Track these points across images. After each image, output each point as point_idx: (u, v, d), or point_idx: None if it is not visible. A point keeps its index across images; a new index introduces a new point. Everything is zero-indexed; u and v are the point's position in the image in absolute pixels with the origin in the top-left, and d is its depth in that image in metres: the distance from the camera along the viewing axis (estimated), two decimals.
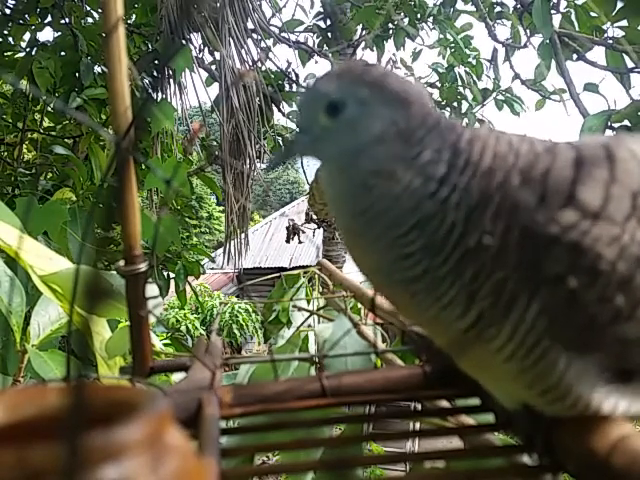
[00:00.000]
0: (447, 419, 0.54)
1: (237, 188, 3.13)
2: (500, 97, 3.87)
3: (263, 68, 3.15)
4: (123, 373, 0.68)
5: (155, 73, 2.40)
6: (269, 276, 1.27)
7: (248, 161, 3.04)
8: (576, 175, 0.39)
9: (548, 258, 0.37)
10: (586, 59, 2.42)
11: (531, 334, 0.38)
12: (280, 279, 1.22)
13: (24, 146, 2.68)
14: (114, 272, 0.62)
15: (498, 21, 3.58)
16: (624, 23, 2.01)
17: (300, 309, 1.17)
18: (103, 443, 0.25)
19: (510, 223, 0.38)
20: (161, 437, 0.28)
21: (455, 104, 4.01)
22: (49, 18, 2.61)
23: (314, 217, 3.63)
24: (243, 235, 3.29)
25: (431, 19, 3.84)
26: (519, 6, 3.03)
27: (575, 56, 2.43)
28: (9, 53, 2.67)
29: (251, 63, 3.07)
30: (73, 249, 1.58)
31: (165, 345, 1.35)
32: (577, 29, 2.40)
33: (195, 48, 3.12)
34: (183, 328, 6.81)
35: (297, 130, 0.47)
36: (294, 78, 3.36)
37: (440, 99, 4.07)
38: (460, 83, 3.95)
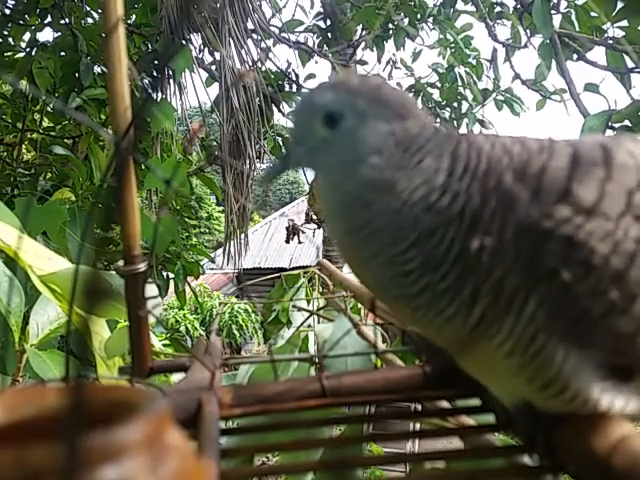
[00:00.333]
0: (447, 420, 0.54)
1: (237, 188, 3.13)
2: (500, 97, 3.87)
3: (263, 68, 3.15)
4: (122, 373, 0.68)
5: (155, 73, 2.40)
6: (269, 276, 1.27)
7: (248, 161, 3.04)
8: (571, 172, 0.40)
9: (543, 252, 0.38)
10: (586, 59, 2.42)
11: (530, 328, 0.38)
12: (280, 279, 1.22)
13: (23, 146, 2.68)
14: (113, 272, 0.62)
15: (498, 21, 3.58)
16: (624, 23, 2.01)
17: (300, 309, 1.17)
18: (102, 443, 0.25)
19: (506, 220, 0.38)
20: (161, 437, 0.28)
21: (455, 104, 4.01)
22: (49, 18, 2.61)
23: (314, 217, 3.63)
24: (243, 235, 3.29)
25: (431, 19, 3.84)
26: (519, 6, 3.03)
27: (575, 56, 2.44)
28: (9, 53, 2.67)
29: (251, 63, 3.07)
30: (72, 249, 1.58)
31: (164, 345, 1.35)
32: (577, 29, 2.40)
33: (195, 48, 3.12)
34: (182, 328, 6.81)
35: (292, 141, 0.46)
36: (294, 78, 3.36)
37: (440, 99, 4.07)
38: (460, 83, 3.96)
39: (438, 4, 3.84)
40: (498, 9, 3.56)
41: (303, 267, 1.30)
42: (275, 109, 3.15)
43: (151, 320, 0.65)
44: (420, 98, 4.00)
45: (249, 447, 0.57)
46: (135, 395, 0.32)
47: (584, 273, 0.38)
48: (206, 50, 3.20)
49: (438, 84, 4.08)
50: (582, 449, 0.40)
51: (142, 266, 0.61)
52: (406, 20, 3.76)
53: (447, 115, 4.02)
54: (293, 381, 0.58)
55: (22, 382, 0.94)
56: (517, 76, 3.47)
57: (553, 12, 2.30)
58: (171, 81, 3.02)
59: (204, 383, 0.54)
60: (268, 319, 1.25)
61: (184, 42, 2.74)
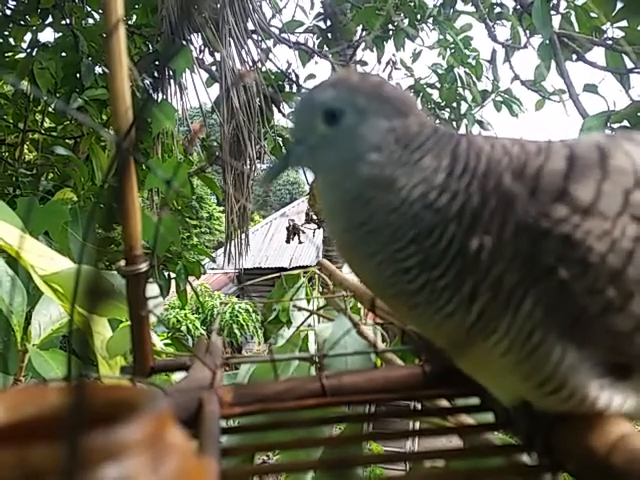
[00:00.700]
0: (447, 418, 0.54)
1: (237, 188, 3.13)
2: (499, 98, 3.87)
3: (263, 69, 3.15)
4: (124, 373, 0.68)
5: (156, 74, 2.40)
6: (269, 276, 1.27)
7: (248, 162, 3.04)
8: (568, 172, 0.40)
9: (540, 250, 0.38)
10: (586, 60, 2.42)
11: (527, 326, 0.39)
12: (280, 279, 1.22)
13: (25, 147, 2.68)
14: (115, 272, 0.62)
15: (498, 22, 3.58)
16: (624, 24, 2.01)
17: (300, 309, 1.17)
18: (103, 443, 0.25)
19: (505, 219, 0.39)
20: (162, 436, 0.28)
21: (454, 105, 4.01)
22: (50, 19, 2.61)
23: (314, 217, 3.63)
24: (243, 235, 3.29)
25: (431, 20, 3.84)
26: (519, 7, 3.03)
27: (575, 57, 2.43)
28: (10, 54, 2.67)
29: (251, 64, 3.07)
30: (74, 249, 1.58)
31: (166, 345, 1.35)
32: (577, 30, 2.40)
33: (195, 49, 3.12)
34: (184, 328, 6.81)
35: (292, 140, 0.47)
36: (294, 79, 3.36)
37: (440, 100, 4.07)
38: (460, 84, 3.95)
39: (438, 5, 3.84)
40: (498, 10, 3.55)
41: (303, 267, 1.30)
42: (275, 109, 3.15)
43: (152, 319, 0.66)
44: (420, 99, 3.99)
45: (250, 446, 0.58)
46: (136, 394, 0.32)
47: (581, 271, 0.38)
48: (206, 50, 3.20)
49: (437, 85, 4.08)
50: (581, 448, 0.40)
51: (143, 266, 0.61)
52: (406, 21, 3.75)
53: (446, 116, 4.02)
54: (293, 380, 0.58)
55: (24, 382, 0.94)
56: (516, 77, 3.47)
57: (553, 13, 2.30)
58: (172, 81, 3.01)
59: (205, 382, 0.55)
60: (268, 319, 1.25)
61: (184, 42, 2.74)
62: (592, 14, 2.30)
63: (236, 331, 7.39)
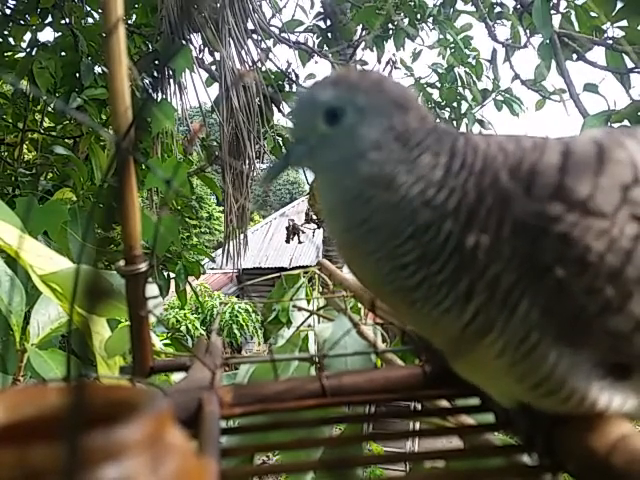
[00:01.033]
0: (447, 419, 0.54)
1: (237, 188, 3.13)
2: (499, 97, 3.87)
3: (263, 68, 3.15)
4: (123, 373, 0.68)
5: (155, 73, 2.40)
6: (269, 276, 1.26)
7: (248, 161, 3.04)
8: (563, 166, 0.40)
9: (537, 249, 0.38)
10: (586, 59, 2.42)
11: (523, 326, 0.39)
12: (280, 279, 1.22)
13: (24, 146, 2.68)
14: (114, 272, 0.62)
15: (498, 21, 3.58)
16: (624, 23, 2.01)
17: (300, 309, 1.17)
18: (103, 443, 0.25)
19: (502, 218, 0.39)
20: (161, 437, 0.28)
21: (455, 104, 4.01)
22: (49, 18, 2.61)
23: (314, 217, 3.63)
24: (243, 235, 3.29)
25: (431, 19, 3.84)
26: (519, 6, 3.03)
27: (575, 56, 2.43)
28: (9, 53, 2.67)
29: (251, 63, 3.07)
30: (73, 249, 1.58)
31: (165, 345, 1.35)
32: (577, 29, 2.40)
33: (195, 48, 3.12)
34: (183, 328, 6.82)
35: (292, 139, 0.46)
36: (294, 78, 3.36)
37: (440, 99, 4.07)
38: (460, 83, 3.95)
39: (438, 4, 3.84)
40: (498, 9, 3.55)
41: (303, 267, 1.30)
42: (275, 109, 3.15)
43: (152, 320, 0.65)
44: (420, 98, 3.99)
45: (249, 446, 0.58)
46: (136, 395, 0.32)
47: (579, 270, 0.38)
48: (206, 50, 3.20)
49: (438, 84, 4.08)
50: (582, 448, 0.40)
51: (143, 266, 0.61)
52: (406, 20, 3.75)
53: (447, 115, 4.02)
54: (293, 380, 0.58)
55: (23, 382, 0.94)
56: (517, 76, 3.47)
57: (553, 12, 2.30)
58: (171, 81, 3.01)
59: (205, 382, 0.55)
60: (268, 319, 1.25)
61: (184, 42, 2.74)
62: (592, 14, 2.30)
63: (236, 331, 7.39)
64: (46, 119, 2.77)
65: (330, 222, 0.44)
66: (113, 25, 0.58)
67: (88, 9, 2.76)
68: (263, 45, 3.22)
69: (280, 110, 3.16)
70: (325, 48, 3.68)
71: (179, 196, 2.50)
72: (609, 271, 0.38)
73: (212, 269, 7.55)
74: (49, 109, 2.68)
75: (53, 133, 2.76)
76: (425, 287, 0.40)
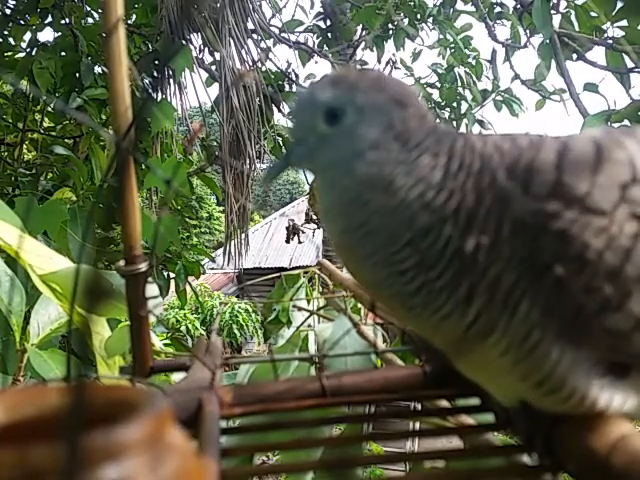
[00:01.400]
0: (447, 419, 0.54)
1: (237, 188, 3.13)
2: (499, 98, 3.87)
3: (263, 68, 3.15)
4: (123, 373, 0.68)
5: (155, 73, 2.40)
6: (269, 276, 1.26)
7: (248, 161, 3.04)
8: (560, 164, 0.40)
9: (536, 247, 0.38)
10: (586, 59, 2.42)
11: (524, 325, 0.39)
12: (280, 279, 1.22)
13: (24, 146, 2.68)
14: (114, 272, 0.62)
15: (498, 21, 3.58)
16: (624, 23, 2.01)
17: (300, 309, 1.17)
18: (103, 443, 0.25)
19: (501, 218, 0.39)
20: (161, 437, 0.28)
21: (455, 105, 4.01)
22: (49, 18, 2.61)
23: (314, 217, 3.63)
24: (243, 235, 3.29)
25: (431, 19, 3.84)
26: (519, 6, 3.03)
27: (575, 56, 2.43)
28: (9, 53, 2.67)
29: (251, 63, 3.07)
30: (73, 249, 1.58)
31: (165, 345, 1.35)
32: (577, 29, 2.40)
33: (195, 48, 3.12)
34: (183, 328, 6.82)
35: (292, 140, 0.46)
36: (294, 78, 3.36)
37: (440, 100, 4.07)
38: (460, 84, 3.95)
39: (438, 4, 3.84)
40: (498, 9, 3.55)
41: (303, 267, 1.30)
42: (275, 109, 3.15)
43: (152, 319, 0.65)
44: (421, 96, 3.98)
45: (249, 446, 0.58)
46: (136, 394, 0.32)
47: (578, 269, 0.38)
48: (206, 50, 3.20)
49: (438, 84, 4.08)
50: (581, 448, 0.40)
51: (143, 266, 0.61)
52: (406, 20, 3.75)
53: (447, 115, 4.02)
54: (293, 381, 0.58)
55: (23, 382, 0.94)
56: (517, 76, 3.47)
57: (553, 12, 2.30)
58: (171, 81, 3.01)
59: (205, 382, 0.55)
60: (268, 319, 1.25)
61: (184, 42, 2.74)
62: (592, 13, 2.30)
63: (236, 331, 7.39)
64: (46, 119, 2.77)
65: (328, 223, 0.44)
66: (113, 25, 0.58)
67: (88, 9, 2.76)
68: (263, 45, 3.22)
69: (280, 110, 3.16)
70: (325, 48, 3.68)
71: (179, 196, 2.50)
72: (608, 269, 0.38)
73: (212, 269, 7.56)
74: (49, 109, 2.68)
75: (53, 133, 2.76)
76: (424, 293, 0.39)
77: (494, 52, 3.77)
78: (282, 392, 0.53)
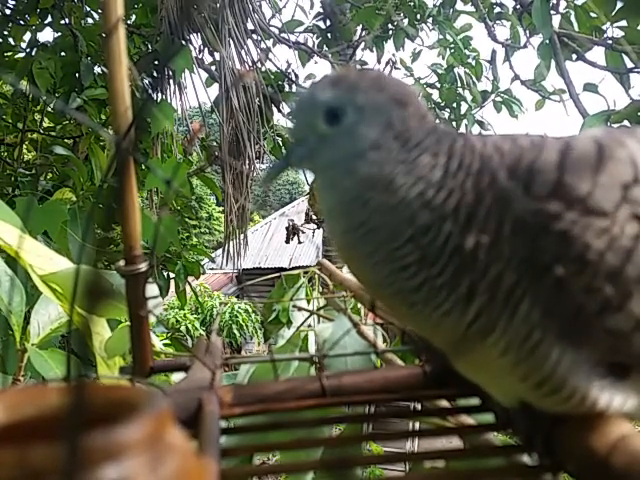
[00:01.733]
0: (447, 419, 0.54)
1: (237, 188, 3.13)
2: (499, 99, 3.87)
3: (263, 69, 3.15)
4: (123, 373, 0.68)
5: (155, 73, 2.40)
6: (269, 276, 1.26)
7: (248, 161, 3.04)
8: (562, 164, 0.40)
9: (537, 247, 0.38)
10: (586, 59, 2.42)
11: (525, 325, 0.39)
12: (280, 279, 1.22)
13: (24, 146, 2.68)
14: (114, 272, 0.62)
15: (498, 22, 3.58)
16: (624, 23, 2.01)
17: (300, 309, 1.17)
18: (103, 443, 0.25)
19: (502, 217, 0.39)
20: (161, 437, 0.28)
21: (454, 105, 4.01)
22: (49, 19, 2.61)
23: (314, 217, 3.63)
24: (243, 235, 3.29)
25: (431, 20, 3.84)
26: (518, 6, 3.03)
27: (575, 56, 2.44)
28: (9, 53, 2.67)
29: (251, 64, 3.07)
30: (73, 249, 1.58)
31: (165, 345, 1.35)
32: (577, 29, 2.40)
33: (195, 49, 3.12)
34: (183, 328, 6.81)
35: (293, 140, 0.46)
36: (294, 79, 3.36)
37: (439, 100, 4.07)
38: (459, 84, 3.95)
39: (438, 4, 3.84)
40: (497, 9, 3.55)
41: (303, 267, 1.30)
42: (275, 109, 3.15)
43: (152, 320, 0.65)
44: (421, 95, 3.98)
45: (249, 446, 0.58)
46: (136, 394, 0.32)
47: (578, 268, 0.38)
48: (206, 50, 3.20)
49: (437, 85, 4.08)
50: (581, 448, 0.40)
51: (143, 266, 0.61)
52: (406, 20, 3.75)
53: (446, 116, 4.02)
54: (293, 381, 0.58)
55: (23, 381, 0.94)
56: (516, 76, 3.47)
57: (552, 12, 2.30)
58: (171, 81, 3.01)
59: (205, 382, 0.55)
60: (268, 319, 1.25)
61: (184, 42, 2.74)
62: (592, 14, 2.30)
63: (236, 331, 7.39)
64: (46, 119, 2.77)
65: (329, 223, 0.44)
66: (113, 25, 0.58)
67: (88, 9, 2.76)
68: (263, 45, 3.22)
69: (280, 110, 3.16)
70: (325, 48, 3.68)
71: (179, 196, 2.50)
72: (609, 270, 0.38)
73: (212, 269, 7.55)
74: (49, 109, 2.68)
75: (53, 133, 2.75)
76: (425, 289, 0.40)
77: (494, 52, 3.77)
78: (282, 392, 0.53)
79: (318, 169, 0.45)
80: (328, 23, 3.72)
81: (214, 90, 3.11)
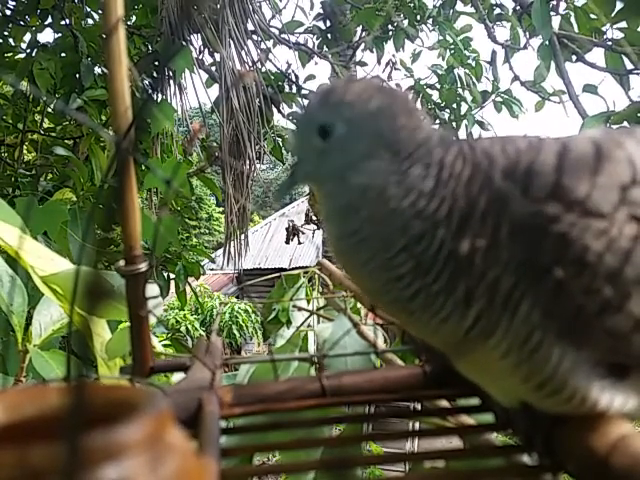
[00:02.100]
0: (447, 419, 0.54)
1: (237, 189, 3.13)
2: (499, 99, 3.86)
3: (263, 69, 3.15)
4: (123, 373, 0.68)
5: (155, 74, 2.40)
6: (269, 276, 1.26)
7: (248, 162, 3.04)
8: (561, 167, 0.40)
9: (535, 250, 0.38)
10: (585, 60, 2.42)
11: (525, 327, 0.39)
12: (280, 279, 1.22)
13: (24, 147, 2.68)
14: (114, 272, 0.62)
15: (497, 23, 3.58)
16: (623, 24, 2.01)
17: (300, 309, 1.17)
18: (103, 443, 0.25)
19: (499, 220, 0.39)
20: (161, 437, 0.28)
21: (454, 106, 4.01)
22: (49, 19, 2.61)
23: (314, 218, 3.63)
24: (243, 236, 3.28)
25: (431, 20, 3.84)
26: (518, 8, 3.03)
27: (574, 57, 2.44)
28: (9, 54, 2.67)
29: (251, 64, 3.07)
30: (73, 249, 1.58)
31: (165, 346, 1.35)
32: (576, 30, 2.40)
33: (195, 49, 3.12)
34: (183, 329, 6.82)
35: (296, 158, 0.48)
36: (294, 79, 3.36)
37: (439, 101, 4.07)
38: (459, 85, 3.95)
39: (438, 5, 3.84)
40: (497, 11, 3.55)
41: (303, 267, 1.30)
42: (275, 110, 3.15)
43: (152, 320, 0.65)
44: (419, 99, 3.99)
45: (249, 446, 0.58)
46: (136, 395, 0.32)
47: (577, 270, 0.38)
48: (206, 51, 3.20)
49: (437, 85, 4.08)
50: (581, 448, 0.40)
51: (143, 266, 0.61)
52: (406, 21, 3.75)
53: (446, 117, 4.02)
54: (293, 381, 0.58)
55: (25, 382, 0.94)
56: (516, 77, 3.47)
57: (552, 13, 2.30)
58: (171, 82, 3.01)
59: (205, 383, 0.55)
60: (268, 319, 1.25)
61: (184, 43, 2.74)
62: (592, 15, 2.30)
63: (235, 332, 7.39)
64: (46, 120, 2.77)
65: (326, 227, 0.45)
66: (113, 26, 0.59)
67: (88, 10, 2.76)
68: (263, 46, 3.22)
69: (280, 111, 3.16)
70: (325, 49, 3.68)
71: (179, 196, 2.50)
72: (608, 271, 0.38)
73: (212, 270, 7.55)
74: (49, 110, 2.68)
75: (53, 134, 2.75)
76: (422, 297, 0.40)
77: (494, 53, 3.77)
78: (282, 392, 0.53)
79: (320, 182, 0.46)
80: (328, 24, 3.72)
81: (214, 90, 3.11)
